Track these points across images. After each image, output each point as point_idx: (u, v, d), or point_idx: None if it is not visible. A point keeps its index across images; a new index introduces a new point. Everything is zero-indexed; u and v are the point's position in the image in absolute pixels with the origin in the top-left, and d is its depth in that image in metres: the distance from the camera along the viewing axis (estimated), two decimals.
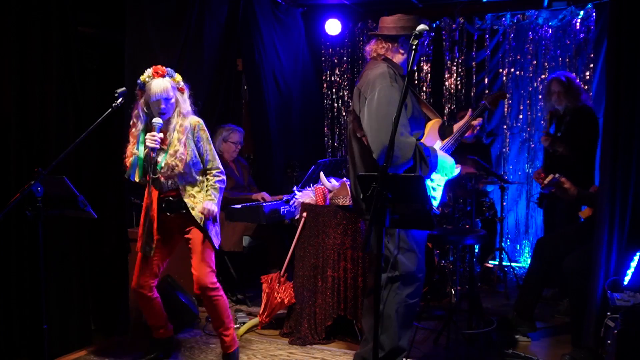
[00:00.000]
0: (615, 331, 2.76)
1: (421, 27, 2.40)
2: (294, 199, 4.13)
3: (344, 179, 3.95)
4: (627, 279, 3.12)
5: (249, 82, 5.76)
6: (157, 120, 3.21)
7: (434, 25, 6.15)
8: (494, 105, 3.64)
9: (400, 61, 3.06)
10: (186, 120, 3.29)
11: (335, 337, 3.89)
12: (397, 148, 2.73)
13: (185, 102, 3.32)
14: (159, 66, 3.24)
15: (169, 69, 3.27)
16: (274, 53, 5.76)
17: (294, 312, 3.93)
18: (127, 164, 3.29)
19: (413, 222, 2.44)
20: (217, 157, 3.39)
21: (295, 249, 3.93)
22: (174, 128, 3.26)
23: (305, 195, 4.05)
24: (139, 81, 3.24)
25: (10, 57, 3.42)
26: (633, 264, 3.14)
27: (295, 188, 4.30)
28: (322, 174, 4.06)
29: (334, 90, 6.79)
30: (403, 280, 2.95)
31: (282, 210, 4.50)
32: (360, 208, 3.04)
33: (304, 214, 3.88)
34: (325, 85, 6.81)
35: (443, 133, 3.27)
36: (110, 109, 2.96)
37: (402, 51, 3.06)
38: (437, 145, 3.15)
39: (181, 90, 3.31)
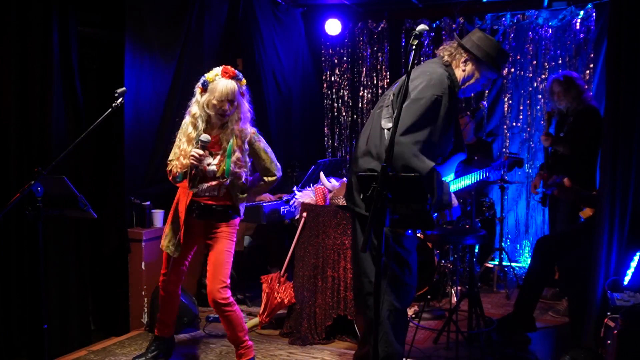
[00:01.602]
0: (615, 331, 2.76)
1: (421, 27, 2.38)
2: (294, 199, 4.13)
3: (344, 179, 3.95)
4: (627, 279, 3.12)
5: (249, 82, 5.75)
6: (205, 137, 3.09)
7: (434, 25, 6.15)
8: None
9: (458, 77, 2.83)
10: (247, 126, 3.22)
11: (335, 337, 3.89)
12: (418, 160, 2.56)
13: (244, 107, 3.23)
14: (228, 66, 3.15)
15: (237, 71, 3.18)
16: (274, 53, 5.76)
17: (294, 312, 3.93)
18: (176, 167, 3.17)
19: (413, 222, 2.44)
20: (275, 162, 3.36)
21: (295, 249, 3.93)
22: (231, 132, 3.18)
23: (305, 195, 4.05)
24: (203, 79, 3.14)
25: (10, 57, 3.42)
26: (633, 264, 3.14)
27: (295, 188, 4.30)
28: (322, 174, 4.06)
29: (334, 90, 6.79)
30: (390, 283, 2.90)
31: (282, 210, 4.50)
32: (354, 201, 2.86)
33: (304, 214, 3.89)
34: (325, 85, 6.81)
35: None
36: (110, 109, 2.95)
37: (462, 67, 2.82)
38: (449, 179, 3.07)
39: (242, 95, 3.23)
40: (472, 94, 2.94)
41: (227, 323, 3.25)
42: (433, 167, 2.56)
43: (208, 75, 3.13)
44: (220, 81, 3.10)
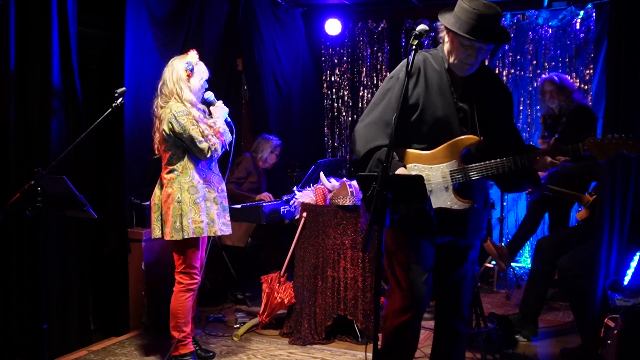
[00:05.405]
0: (615, 331, 2.76)
1: (421, 27, 2.38)
2: (294, 199, 4.13)
3: (344, 179, 3.96)
4: (627, 279, 3.13)
5: (249, 82, 5.76)
6: (210, 94, 3.48)
7: (434, 25, 6.12)
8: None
9: (445, 51, 2.58)
10: None
11: (335, 337, 3.89)
12: (357, 137, 2.64)
13: None
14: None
15: None
16: (274, 53, 5.76)
17: (294, 312, 3.93)
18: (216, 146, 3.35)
19: (413, 222, 2.44)
20: None
21: (295, 249, 3.93)
22: None
23: (305, 195, 4.05)
24: (190, 64, 3.30)
25: (10, 57, 3.41)
26: (633, 264, 3.14)
27: (295, 188, 4.30)
28: (322, 174, 4.06)
29: (334, 90, 6.79)
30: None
31: (282, 210, 4.50)
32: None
33: (304, 214, 3.89)
34: (325, 85, 6.81)
35: (479, 155, 2.48)
36: (110, 109, 2.95)
37: (445, 39, 2.58)
38: (449, 166, 2.47)
39: None
40: (471, 71, 2.50)
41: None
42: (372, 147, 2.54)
43: (190, 58, 3.33)
44: (200, 62, 3.37)
